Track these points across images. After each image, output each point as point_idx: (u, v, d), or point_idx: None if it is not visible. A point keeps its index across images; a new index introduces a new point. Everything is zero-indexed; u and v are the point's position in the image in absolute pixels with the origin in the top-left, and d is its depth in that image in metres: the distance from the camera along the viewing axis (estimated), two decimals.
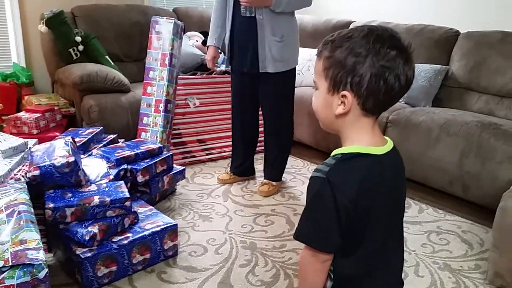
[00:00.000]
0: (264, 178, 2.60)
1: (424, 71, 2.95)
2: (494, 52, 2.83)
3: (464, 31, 3.05)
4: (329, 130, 0.94)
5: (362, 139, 0.89)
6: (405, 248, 1.91)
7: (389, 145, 0.92)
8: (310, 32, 3.66)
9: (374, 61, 0.81)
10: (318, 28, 3.65)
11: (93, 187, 1.77)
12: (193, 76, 2.99)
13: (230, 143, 2.93)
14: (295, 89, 2.52)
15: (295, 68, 2.42)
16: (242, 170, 2.68)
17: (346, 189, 0.83)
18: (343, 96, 0.85)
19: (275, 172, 2.57)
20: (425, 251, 1.96)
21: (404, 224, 2.18)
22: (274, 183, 2.55)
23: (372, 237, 0.90)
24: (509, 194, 1.69)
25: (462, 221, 2.28)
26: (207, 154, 2.99)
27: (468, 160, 2.36)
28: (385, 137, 0.94)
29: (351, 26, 3.55)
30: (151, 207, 1.94)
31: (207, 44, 2.56)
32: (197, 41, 3.42)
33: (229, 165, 2.76)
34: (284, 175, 2.71)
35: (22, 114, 2.53)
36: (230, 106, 2.85)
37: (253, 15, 2.24)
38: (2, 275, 1.13)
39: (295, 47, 2.39)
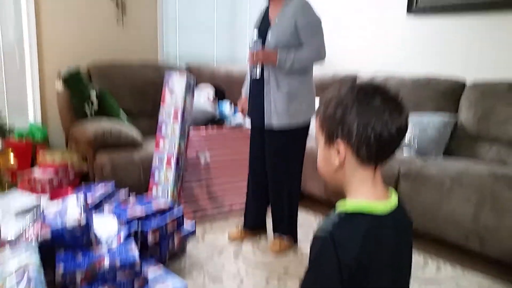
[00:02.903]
0: (274, 233, 2.56)
1: (432, 122, 2.95)
2: (501, 102, 2.84)
3: (470, 81, 3.08)
4: (332, 186, 0.98)
5: (363, 192, 0.91)
6: None
7: (393, 200, 0.93)
8: (318, 85, 3.67)
9: (359, 110, 0.86)
10: (326, 80, 3.72)
11: (103, 248, 1.77)
12: (204, 131, 3.04)
13: (241, 196, 2.95)
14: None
15: (306, 127, 2.40)
16: (253, 224, 2.65)
17: (349, 248, 0.84)
18: (338, 147, 0.90)
19: (284, 227, 2.52)
20: None
21: (421, 284, 2.12)
22: (284, 237, 2.52)
23: None
24: None
25: (482, 277, 2.20)
26: (218, 208, 2.98)
27: (483, 213, 2.31)
28: (391, 189, 0.96)
29: (358, 79, 3.62)
30: (161, 268, 1.91)
31: (242, 96, 2.64)
32: (208, 94, 3.50)
33: (240, 221, 2.74)
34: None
35: (35, 172, 2.57)
36: (240, 158, 2.91)
37: (257, 77, 2.34)
38: None
39: (306, 104, 2.36)
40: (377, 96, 0.87)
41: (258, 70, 2.34)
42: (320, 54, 2.34)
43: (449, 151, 2.96)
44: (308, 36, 2.27)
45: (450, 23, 3.40)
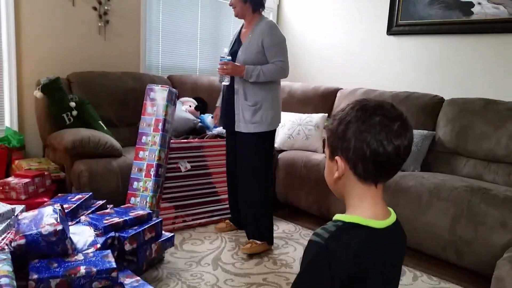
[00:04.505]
0: (248, 238, 2.62)
1: None
2: (478, 118, 2.92)
3: (448, 98, 3.16)
4: (337, 196, 0.99)
5: (362, 207, 0.92)
6: None
7: (391, 219, 0.94)
8: (300, 98, 3.77)
9: (356, 127, 0.88)
10: (307, 94, 3.76)
11: (79, 257, 1.73)
12: (185, 140, 3.03)
13: (221, 207, 3.05)
14: (288, 152, 2.70)
15: (272, 132, 2.59)
16: (238, 221, 2.84)
17: (343, 259, 0.84)
18: (336, 161, 0.91)
19: (254, 231, 2.60)
20: None
21: None
22: (258, 241, 2.56)
23: None
24: (503, 262, 1.67)
25: None
26: (198, 219, 2.95)
27: (460, 226, 2.35)
28: (390, 209, 0.96)
29: (338, 93, 3.68)
30: (138, 277, 1.88)
31: (216, 105, 2.85)
32: (190, 106, 3.50)
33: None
34: (275, 240, 2.70)
35: (11, 179, 2.50)
36: (221, 169, 2.96)
37: (225, 83, 2.54)
38: None
39: (271, 112, 2.54)
40: (377, 115, 0.87)
41: (227, 79, 2.52)
42: (284, 70, 2.52)
43: (426, 165, 3.02)
44: (273, 54, 2.48)
45: (427, 43, 3.52)
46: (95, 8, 3.39)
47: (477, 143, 2.90)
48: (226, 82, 2.54)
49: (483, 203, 2.32)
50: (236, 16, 2.61)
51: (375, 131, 0.86)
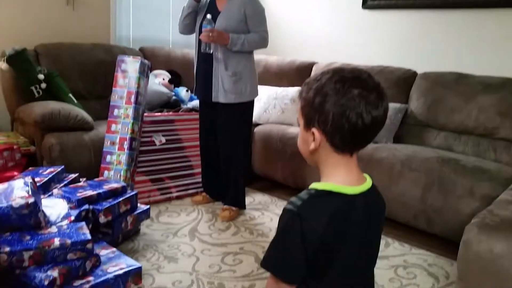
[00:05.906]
0: (224, 204, 2.72)
1: None
2: (449, 91, 2.97)
3: (421, 72, 3.21)
4: (311, 164, 0.99)
5: (336, 175, 0.92)
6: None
7: (366, 185, 0.94)
8: (275, 72, 3.75)
9: (335, 100, 0.86)
10: (283, 68, 3.75)
11: (53, 229, 1.70)
12: (159, 114, 2.98)
13: (196, 180, 3.03)
14: (264, 126, 2.74)
15: (251, 102, 2.62)
16: (212, 192, 2.86)
17: (315, 225, 0.85)
18: (313, 132, 0.90)
19: (232, 198, 2.70)
20: (393, 285, 1.97)
21: None
22: (234, 208, 2.68)
23: (336, 277, 0.90)
24: (471, 227, 1.73)
25: (427, 254, 2.32)
26: (173, 192, 2.94)
27: (430, 195, 2.42)
28: (366, 175, 0.97)
29: (314, 67, 3.68)
30: (114, 249, 1.86)
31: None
32: (163, 79, 3.43)
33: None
34: (252, 211, 2.75)
35: None
36: (196, 143, 2.92)
37: (211, 51, 2.47)
38: None
39: (250, 82, 2.58)
40: (356, 86, 0.86)
41: (212, 46, 2.46)
42: (265, 40, 2.57)
43: (399, 138, 3.07)
44: (256, 23, 2.51)
45: (401, 18, 3.53)
46: None
47: (448, 116, 2.96)
48: (210, 51, 2.47)
49: (453, 173, 2.39)
50: None
51: (355, 104, 0.85)
